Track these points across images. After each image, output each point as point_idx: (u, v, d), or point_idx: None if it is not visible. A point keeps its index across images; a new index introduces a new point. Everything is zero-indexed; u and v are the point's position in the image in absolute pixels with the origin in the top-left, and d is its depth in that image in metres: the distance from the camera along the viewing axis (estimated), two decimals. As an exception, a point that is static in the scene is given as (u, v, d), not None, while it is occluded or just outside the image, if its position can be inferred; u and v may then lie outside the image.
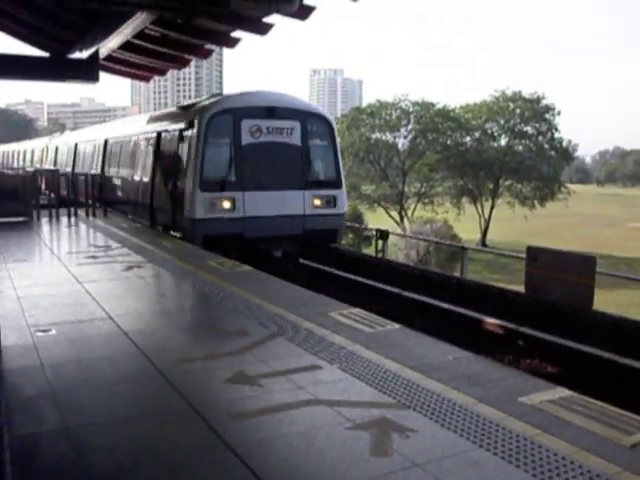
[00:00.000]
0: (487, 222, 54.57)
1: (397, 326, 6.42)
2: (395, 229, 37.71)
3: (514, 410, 4.23)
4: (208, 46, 13.38)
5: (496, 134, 57.67)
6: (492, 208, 55.33)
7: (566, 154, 59.02)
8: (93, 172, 19.68)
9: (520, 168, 55.67)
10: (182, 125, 13.36)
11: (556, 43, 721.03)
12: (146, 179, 15.29)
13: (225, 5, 8.78)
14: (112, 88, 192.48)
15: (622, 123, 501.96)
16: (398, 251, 31.90)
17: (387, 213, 53.72)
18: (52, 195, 17.36)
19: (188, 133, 13.04)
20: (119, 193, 18.09)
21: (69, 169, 22.91)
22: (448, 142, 55.90)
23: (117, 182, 18.28)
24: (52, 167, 25.70)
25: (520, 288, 10.78)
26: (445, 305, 11.00)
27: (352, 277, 13.12)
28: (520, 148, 57.53)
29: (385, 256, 15.59)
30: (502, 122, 56.73)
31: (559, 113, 56.06)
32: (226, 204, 12.53)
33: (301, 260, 14.14)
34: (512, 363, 8.50)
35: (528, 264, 10.26)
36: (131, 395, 4.70)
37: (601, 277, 9.98)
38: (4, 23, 13.81)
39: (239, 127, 12.71)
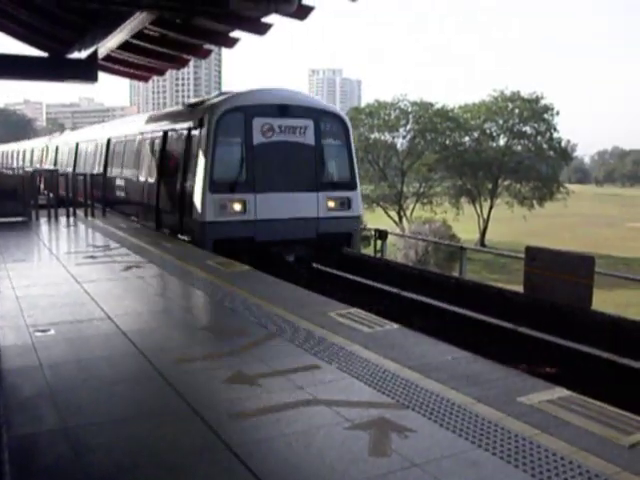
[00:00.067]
0: (486, 222, 54.60)
1: (396, 326, 6.42)
2: (394, 229, 37.73)
3: (513, 410, 4.23)
4: (207, 46, 13.41)
5: (495, 134, 57.76)
6: (491, 208, 55.37)
7: (565, 154, 59.10)
8: (95, 172, 19.31)
9: (519, 168, 55.74)
10: (190, 124, 12.84)
11: (556, 43, 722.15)
12: (152, 180, 14.79)
13: (224, 5, 8.79)
14: (111, 88, 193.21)
15: (621, 123, 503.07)
16: (397, 251, 31.91)
17: (386, 213, 53.74)
18: (51, 195, 17.34)
19: (197, 132, 12.50)
20: (123, 194, 17.57)
21: (70, 169, 22.36)
22: (447, 142, 55.96)
23: (121, 183, 17.75)
24: (52, 167, 25.64)
25: (519, 288, 10.77)
26: (444, 305, 11.01)
27: (351, 277, 13.10)
28: (519, 148, 57.62)
29: (384, 256, 15.59)
30: (501, 122, 56.80)
31: (558, 113, 56.23)
32: (237, 206, 12.02)
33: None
34: (511, 363, 8.50)
35: (527, 264, 10.25)
36: (130, 395, 4.69)
37: (600, 277, 9.98)
38: (3, 23, 13.83)
39: (250, 126, 12.19)
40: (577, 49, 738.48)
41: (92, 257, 10.51)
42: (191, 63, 17.21)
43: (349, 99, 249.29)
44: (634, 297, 27.33)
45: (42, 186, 19.58)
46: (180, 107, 15.63)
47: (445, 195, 56.83)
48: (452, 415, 4.17)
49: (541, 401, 4.38)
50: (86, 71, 13.51)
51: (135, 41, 12.71)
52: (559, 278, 9.46)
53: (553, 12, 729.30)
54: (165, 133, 14.30)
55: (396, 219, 52.20)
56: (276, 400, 4.44)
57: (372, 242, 17.80)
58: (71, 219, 16.13)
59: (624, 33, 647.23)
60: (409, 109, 56.31)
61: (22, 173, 19.12)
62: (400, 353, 5.46)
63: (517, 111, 56.16)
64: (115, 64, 15.08)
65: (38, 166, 28.06)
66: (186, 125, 13.06)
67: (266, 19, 10.24)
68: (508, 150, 56.61)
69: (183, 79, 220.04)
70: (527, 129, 56.92)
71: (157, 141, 14.79)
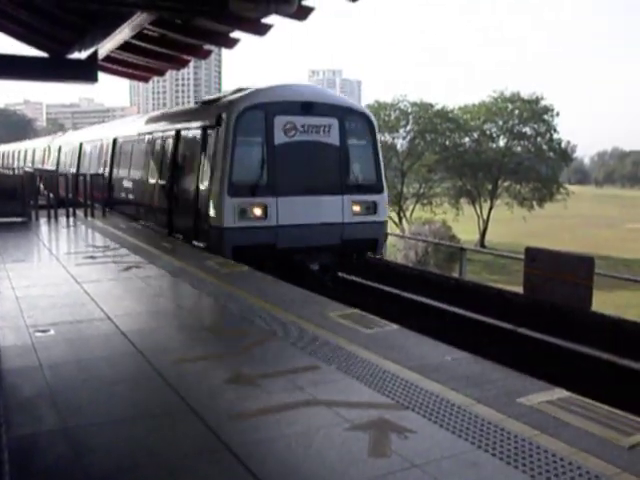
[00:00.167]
0: (485, 223, 54.61)
1: (396, 327, 6.42)
2: (394, 230, 37.74)
3: (513, 411, 4.23)
4: (207, 47, 13.38)
5: (495, 135, 57.77)
6: (490, 209, 55.38)
7: (565, 155, 59.10)
8: (101, 173, 18.97)
9: (519, 169, 55.76)
10: (206, 122, 12.07)
11: (556, 43, 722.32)
12: (163, 182, 14.02)
13: (223, 6, 8.79)
14: (111, 88, 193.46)
15: (621, 123, 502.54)
16: (397, 252, 31.92)
17: (386, 214, 53.60)
18: (51, 195, 17.33)
19: (214, 131, 11.71)
20: (130, 196, 16.84)
21: (73, 170, 22.00)
22: (447, 143, 55.97)
23: (128, 185, 17.01)
24: (54, 168, 25.52)
25: (519, 289, 10.78)
26: (444, 306, 11.02)
27: (349, 277, 13.09)
28: (519, 149, 57.62)
29: (384, 257, 15.59)
30: (501, 123, 56.82)
31: (558, 114, 56.22)
32: (257, 211, 11.25)
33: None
34: (511, 364, 8.50)
35: (526, 265, 10.26)
36: (130, 395, 4.69)
37: (599, 278, 9.99)
38: (3, 23, 13.82)
39: (272, 124, 11.40)
40: (577, 49, 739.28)
41: (92, 257, 10.51)
42: (191, 64, 17.17)
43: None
44: (634, 298, 27.35)
45: (42, 186, 19.57)
46: (193, 105, 14.80)
47: (445, 196, 56.83)
48: (452, 416, 4.17)
49: (541, 402, 4.38)
50: (86, 71, 13.49)
51: (135, 41, 12.70)
52: (559, 279, 9.47)
53: (553, 12, 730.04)
54: (178, 132, 13.64)
55: (396, 220, 52.19)
56: (276, 401, 4.44)
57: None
58: (71, 219, 16.12)
59: (624, 33, 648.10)
60: (409, 110, 56.32)
61: (22, 173, 19.12)
62: (400, 354, 5.46)
63: (517, 112, 56.17)
64: (115, 64, 15.06)
65: (40, 167, 27.92)
66: (202, 124, 12.37)
67: (266, 20, 10.23)
68: (508, 151, 56.62)
69: (183, 79, 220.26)
70: (527, 130, 56.94)
71: (169, 141, 14.10)
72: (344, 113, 12.18)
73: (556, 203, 56.18)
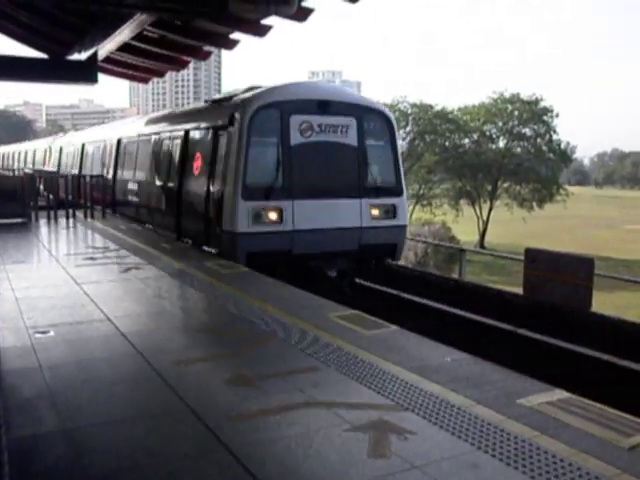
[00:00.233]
0: (485, 224, 54.58)
1: (395, 328, 6.42)
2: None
3: (512, 412, 4.23)
4: (206, 48, 13.39)
5: (494, 136, 57.72)
6: (490, 210, 55.33)
7: (564, 156, 59.05)
8: (105, 175, 18.66)
9: (518, 170, 55.70)
10: (218, 122, 11.56)
11: (556, 44, 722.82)
12: (172, 184, 13.45)
13: (223, 7, 8.80)
14: (111, 90, 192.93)
15: (621, 124, 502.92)
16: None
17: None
18: (51, 197, 17.33)
19: (225, 131, 11.22)
20: (136, 199, 16.26)
21: (75, 171, 21.67)
22: (446, 144, 55.95)
23: (133, 186, 16.49)
24: (55, 169, 25.39)
25: (518, 290, 10.79)
26: (444, 307, 11.02)
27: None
28: (518, 150, 57.56)
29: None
30: (500, 124, 56.79)
31: (557, 115, 56.20)
32: (272, 215, 10.72)
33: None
34: (511, 365, 8.50)
35: (526, 266, 10.26)
36: (129, 396, 4.69)
37: (599, 279, 10.00)
38: (3, 24, 13.82)
39: (287, 124, 10.90)
40: (577, 50, 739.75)
41: (92, 259, 10.51)
42: (191, 65, 17.16)
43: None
44: (634, 299, 27.33)
45: (42, 187, 19.56)
46: (202, 104, 14.49)
47: (444, 197, 56.81)
48: (452, 417, 4.17)
49: (541, 403, 4.38)
50: (86, 73, 13.48)
51: (135, 43, 12.71)
52: (559, 280, 9.47)
53: (553, 12, 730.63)
54: (187, 132, 13.14)
55: (396, 221, 52.05)
56: (275, 401, 4.44)
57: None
58: (70, 221, 16.12)
59: (624, 33, 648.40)
60: (409, 111, 56.27)
61: (22, 174, 19.12)
62: (400, 355, 5.46)
63: (516, 113, 56.14)
64: (115, 66, 15.07)
65: (41, 168, 27.79)
66: (213, 123, 11.88)
67: (266, 21, 10.24)
68: (508, 152, 56.59)
69: (183, 81, 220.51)
70: (527, 131, 56.90)
71: (177, 141, 13.58)
72: (362, 112, 11.69)
73: (556, 204, 56.14)
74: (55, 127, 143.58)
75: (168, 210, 13.64)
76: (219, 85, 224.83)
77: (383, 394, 4.56)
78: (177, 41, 12.71)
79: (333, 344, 5.76)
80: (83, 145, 23.13)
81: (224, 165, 11.06)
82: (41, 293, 7.89)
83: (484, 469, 3.53)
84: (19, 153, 38.15)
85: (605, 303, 15.76)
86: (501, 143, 57.48)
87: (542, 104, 55.99)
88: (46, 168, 27.45)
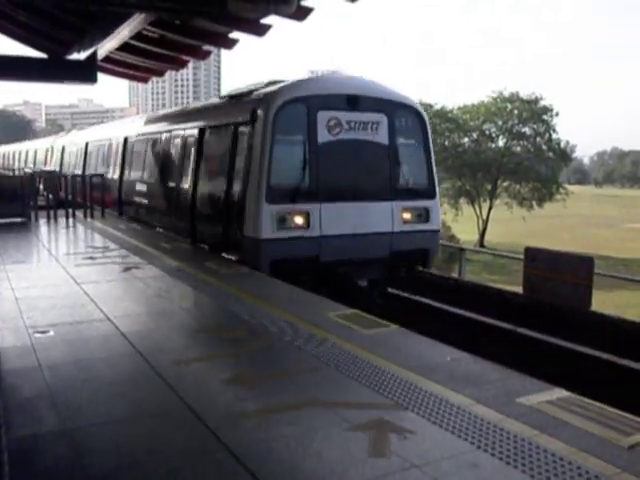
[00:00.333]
0: (485, 223, 54.60)
1: (395, 327, 6.43)
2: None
3: (512, 411, 4.23)
4: (206, 47, 13.39)
5: (494, 135, 57.77)
6: (490, 209, 55.36)
7: (564, 155, 59.09)
8: (109, 175, 18.30)
9: (518, 169, 55.71)
10: (238, 118, 10.78)
11: (555, 44, 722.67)
12: (185, 185, 12.63)
13: (222, 7, 8.80)
14: (110, 89, 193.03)
15: (621, 123, 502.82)
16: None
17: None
18: (50, 196, 17.32)
19: (246, 129, 10.43)
20: (145, 200, 15.49)
21: (78, 171, 21.09)
22: (446, 143, 55.95)
23: (142, 188, 15.67)
24: (57, 169, 25.21)
25: (518, 289, 10.79)
26: (443, 306, 11.01)
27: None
28: (518, 149, 57.61)
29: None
30: (500, 123, 56.84)
31: (557, 114, 56.23)
32: (299, 220, 9.97)
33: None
34: (510, 364, 8.51)
35: (526, 265, 10.26)
36: (129, 396, 4.69)
37: (599, 278, 10.00)
38: (2, 24, 13.83)
39: (314, 121, 10.12)
40: (577, 49, 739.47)
41: (91, 258, 10.51)
42: (190, 64, 17.16)
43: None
44: (634, 298, 27.35)
45: (42, 187, 19.55)
46: (218, 100, 13.75)
47: (444, 196, 56.76)
48: (451, 416, 4.17)
49: (540, 402, 4.38)
50: (85, 72, 13.49)
51: (134, 42, 12.71)
52: (558, 279, 9.47)
53: (552, 13, 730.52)
54: (202, 130, 12.32)
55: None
56: (275, 401, 4.44)
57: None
58: (70, 220, 16.12)
59: (624, 33, 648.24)
60: (408, 110, 56.24)
61: (22, 174, 19.12)
62: (399, 354, 5.47)
63: (516, 112, 56.18)
64: (114, 65, 15.08)
65: (42, 168, 27.61)
66: (232, 120, 11.10)
67: (265, 20, 10.24)
68: (507, 151, 56.62)
69: (182, 80, 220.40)
70: (526, 130, 56.95)
71: (191, 140, 12.78)
72: (394, 108, 10.94)
73: (555, 203, 56.17)
74: (55, 127, 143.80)
75: (181, 213, 12.83)
76: (218, 85, 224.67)
77: (383, 393, 4.56)
78: (176, 40, 12.72)
79: (333, 343, 5.76)
80: (86, 144, 22.56)
81: (246, 165, 10.31)
82: (41, 293, 7.89)
83: (484, 468, 3.53)
84: (19, 153, 38.00)
85: (605, 302, 15.76)
86: (501, 142, 57.53)
87: (542, 103, 56.06)
88: (48, 168, 27.23)
